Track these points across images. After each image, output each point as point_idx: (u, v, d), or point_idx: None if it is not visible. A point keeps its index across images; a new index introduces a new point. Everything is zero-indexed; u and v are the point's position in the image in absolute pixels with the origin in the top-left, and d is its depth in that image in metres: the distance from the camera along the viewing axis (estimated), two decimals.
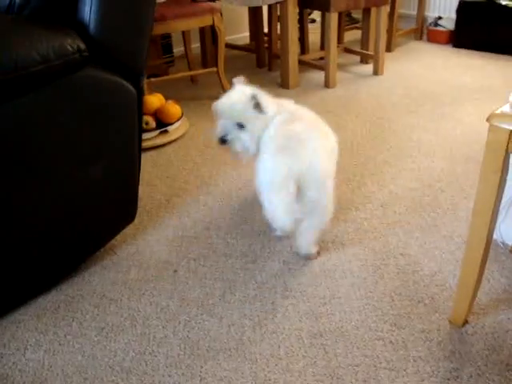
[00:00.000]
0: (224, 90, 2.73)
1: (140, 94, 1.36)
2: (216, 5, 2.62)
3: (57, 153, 1.20)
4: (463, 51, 3.61)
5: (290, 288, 1.37)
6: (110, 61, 1.26)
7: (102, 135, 1.29)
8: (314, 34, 3.83)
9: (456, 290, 1.18)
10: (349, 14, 4.31)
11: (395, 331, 1.22)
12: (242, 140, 1.43)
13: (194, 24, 2.56)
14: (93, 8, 1.20)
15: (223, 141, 1.45)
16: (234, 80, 1.52)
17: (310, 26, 3.67)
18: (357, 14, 4.47)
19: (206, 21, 2.57)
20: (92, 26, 1.21)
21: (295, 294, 1.35)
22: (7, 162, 1.10)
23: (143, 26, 1.31)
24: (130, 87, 1.30)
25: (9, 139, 1.09)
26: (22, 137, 1.11)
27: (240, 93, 1.45)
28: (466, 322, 1.21)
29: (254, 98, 1.40)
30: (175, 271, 1.45)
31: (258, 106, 1.39)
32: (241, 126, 1.42)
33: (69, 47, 1.13)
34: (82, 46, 1.16)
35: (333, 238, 1.56)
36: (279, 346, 1.19)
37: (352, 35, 3.99)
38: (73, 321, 1.30)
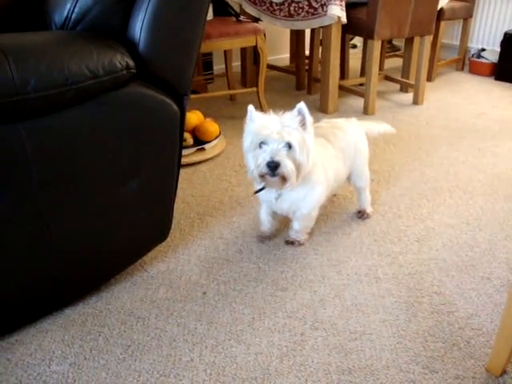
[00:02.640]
0: (262, 110, 2.74)
1: (183, 112, 1.36)
2: (260, 26, 2.64)
3: (96, 167, 1.20)
4: (506, 84, 3.55)
5: (321, 319, 1.34)
6: (155, 79, 1.27)
7: (141, 152, 1.29)
8: (354, 59, 3.82)
9: (495, 337, 1.13)
10: (390, 42, 4.29)
11: (427, 374, 1.17)
12: (293, 161, 1.36)
13: (237, 44, 2.58)
14: (144, 26, 1.21)
15: (273, 165, 1.34)
16: (249, 107, 1.43)
17: (350, 51, 3.66)
18: (398, 42, 4.45)
19: (250, 41, 2.59)
20: (141, 43, 1.22)
21: (325, 326, 1.32)
22: (48, 172, 1.11)
23: (191, 46, 1.32)
24: (174, 105, 1.31)
25: (52, 150, 1.10)
26: (64, 149, 1.12)
27: (273, 116, 1.40)
28: (504, 371, 1.16)
29: (300, 111, 1.38)
30: (204, 293, 1.44)
31: (303, 121, 1.38)
32: (289, 147, 1.36)
33: (118, 64, 1.13)
34: (131, 63, 1.17)
35: (366, 270, 1.53)
36: (306, 380, 1.16)
37: (392, 63, 3.96)
38: (99, 335, 1.29)
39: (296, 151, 1.36)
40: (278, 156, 1.34)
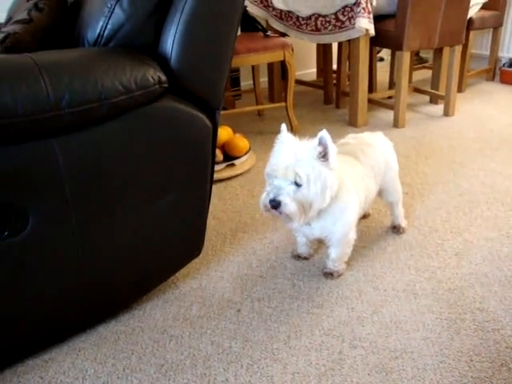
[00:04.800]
0: (292, 125, 2.71)
1: (215, 127, 1.35)
2: (288, 40, 2.63)
3: (129, 182, 1.19)
4: None
5: (359, 337, 1.30)
6: (188, 93, 1.26)
7: (174, 167, 1.28)
8: (381, 72, 3.79)
9: None
10: (417, 53, 4.25)
11: None
12: (301, 199, 1.28)
13: (265, 59, 2.57)
14: (175, 41, 1.20)
15: (275, 204, 1.26)
16: (283, 126, 1.35)
17: (378, 64, 3.63)
18: (425, 54, 4.41)
19: (278, 56, 2.58)
20: (173, 58, 1.21)
21: (364, 344, 1.28)
22: (81, 188, 1.10)
23: (223, 60, 1.31)
24: (206, 120, 1.29)
25: (85, 166, 1.09)
26: (97, 164, 1.11)
27: (296, 144, 1.31)
28: None
29: (321, 140, 1.27)
30: (239, 310, 1.41)
31: (325, 151, 1.28)
32: (298, 185, 1.27)
33: (150, 78, 1.13)
34: (163, 77, 1.16)
35: (404, 286, 1.48)
36: None
37: (420, 75, 3.92)
38: (132, 354, 1.27)
39: (303, 189, 1.27)
40: (280, 195, 1.26)
